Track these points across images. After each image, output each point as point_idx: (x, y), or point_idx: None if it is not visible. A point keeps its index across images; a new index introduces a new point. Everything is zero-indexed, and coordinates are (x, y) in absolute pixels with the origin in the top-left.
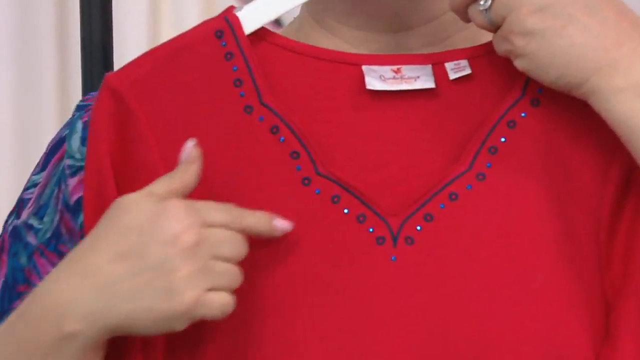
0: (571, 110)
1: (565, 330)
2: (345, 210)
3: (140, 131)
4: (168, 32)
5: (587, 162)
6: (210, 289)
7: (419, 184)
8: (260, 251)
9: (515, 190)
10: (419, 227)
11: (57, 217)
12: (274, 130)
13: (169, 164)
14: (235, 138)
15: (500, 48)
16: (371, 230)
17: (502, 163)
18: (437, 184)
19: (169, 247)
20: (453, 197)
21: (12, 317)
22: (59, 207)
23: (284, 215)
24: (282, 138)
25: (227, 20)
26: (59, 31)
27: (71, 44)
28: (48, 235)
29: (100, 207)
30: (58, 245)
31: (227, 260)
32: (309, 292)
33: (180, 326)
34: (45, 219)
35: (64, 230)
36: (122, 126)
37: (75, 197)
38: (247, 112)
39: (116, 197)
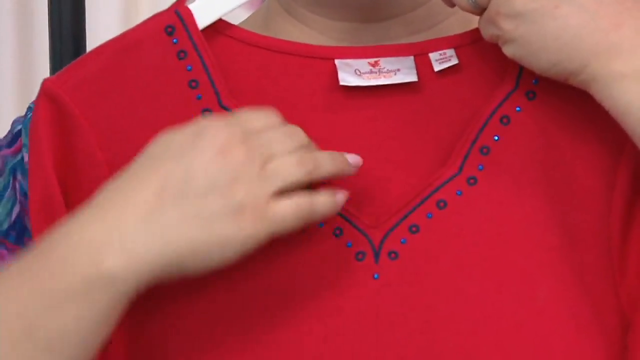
0: (571, 103)
1: (572, 350)
2: (320, 224)
3: (84, 140)
4: (145, 16)
5: (590, 161)
6: (277, 195)
7: (402, 191)
8: (229, 274)
9: (510, 195)
10: (403, 240)
11: (16, 208)
12: None
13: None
14: None
15: (487, 33)
16: (349, 244)
17: (495, 165)
18: (423, 191)
19: (216, 163)
20: (441, 204)
21: (12, 268)
22: (18, 197)
23: None
24: None
25: (178, 14)
26: (23, 17)
27: (37, 32)
28: (5, 226)
29: (48, 222)
30: (23, 238)
31: (282, 154)
32: (283, 318)
33: (241, 248)
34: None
35: (28, 224)
36: (64, 135)
37: None
38: (205, 116)
39: (64, 211)
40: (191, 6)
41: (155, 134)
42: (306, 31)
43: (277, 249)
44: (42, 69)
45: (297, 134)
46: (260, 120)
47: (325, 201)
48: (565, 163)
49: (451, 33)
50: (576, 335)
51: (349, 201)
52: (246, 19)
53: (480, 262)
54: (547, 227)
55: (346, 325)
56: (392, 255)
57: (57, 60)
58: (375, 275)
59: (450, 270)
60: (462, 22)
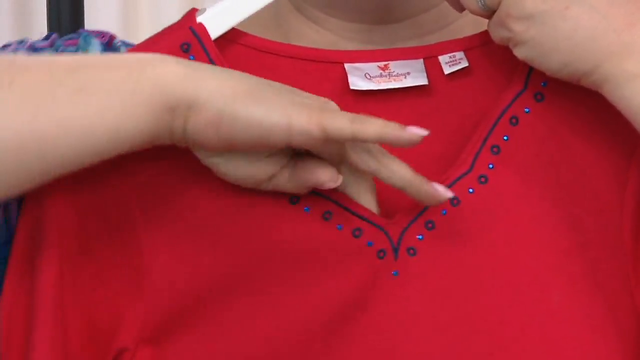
0: (580, 105)
1: (588, 351)
2: (339, 227)
3: None
4: (144, 16)
5: (601, 163)
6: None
7: None
8: (251, 279)
9: (520, 195)
10: (420, 237)
11: None
12: None
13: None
14: None
15: (497, 35)
16: (370, 244)
17: (505, 164)
18: None
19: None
20: (454, 201)
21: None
22: None
23: (275, 237)
24: None
25: (193, 31)
26: (21, 17)
27: (35, 33)
28: None
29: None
30: None
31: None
32: (308, 320)
33: (286, 129)
34: None
35: None
36: None
37: None
38: None
39: None
40: (202, 18)
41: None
42: (319, 30)
43: (295, 256)
44: None
45: None
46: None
47: (382, 124)
48: (575, 164)
49: (463, 34)
50: (591, 337)
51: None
52: (251, 17)
53: (493, 261)
54: (557, 229)
55: (369, 323)
56: (411, 251)
57: None
58: (395, 272)
59: (465, 268)
60: (474, 22)
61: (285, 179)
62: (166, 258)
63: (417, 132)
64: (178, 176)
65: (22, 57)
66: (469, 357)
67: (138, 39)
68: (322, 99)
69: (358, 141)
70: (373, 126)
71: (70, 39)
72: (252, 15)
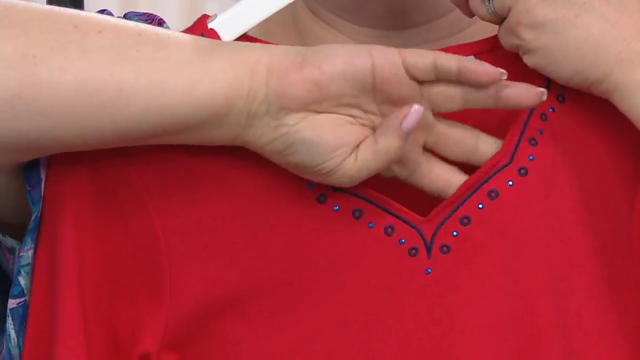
0: (598, 109)
1: (598, 354)
2: (370, 225)
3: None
4: None
5: (615, 168)
6: None
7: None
8: (279, 282)
9: (553, 191)
10: (455, 233)
11: None
12: None
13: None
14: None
15: (507, 42)
16: (402, 241)
17: (543, 156)
18: (475, 182)
19: None
20: (493, 194)
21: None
22: None
23: (303, 238)
24: None
25: (205, 37)
26: None
27: None
28: None
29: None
30: None
31: None
32: (339, 319)
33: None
34: None
35: None
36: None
37: None
38: None
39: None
40: (214, 24)
41: (195, 153)
42: (335, 34)
43: (325, 256)
44: None
45: None
46: None
47: (460, 57)
48: (593, 167)
49: (478, 39)
50: (606, 342)
51: (396, 199)
52: (272, 21)
53: (529, 257)
54: (579, 229)
55: (402, 322)
56: (445, 249)
57: None
58: (428, 270)
59: (500, 263)
60: (489, 26)
61: (373, 141)
62: (188, 263)
63: (498, 70)
64: (201, 181)
65: (113, 18)
66: (502, 355)
67: None
68: None
69: (439, 73)
70: (454, 57)
71: None
72: (265, 19)
